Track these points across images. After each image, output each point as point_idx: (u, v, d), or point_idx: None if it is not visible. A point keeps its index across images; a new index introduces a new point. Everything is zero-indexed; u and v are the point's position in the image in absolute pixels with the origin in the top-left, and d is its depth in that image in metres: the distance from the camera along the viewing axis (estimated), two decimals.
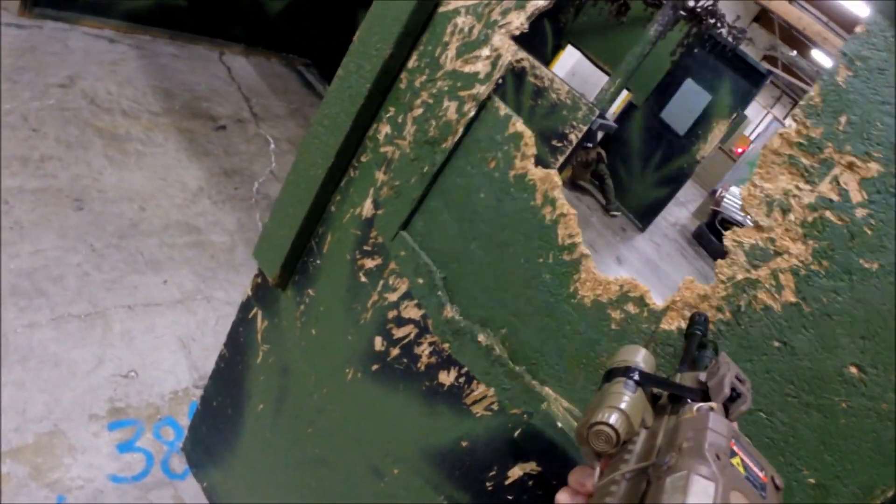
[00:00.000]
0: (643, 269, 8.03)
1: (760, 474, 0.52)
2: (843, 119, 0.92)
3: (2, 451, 2.09)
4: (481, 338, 1.31)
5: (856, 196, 0.92)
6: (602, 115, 4.72)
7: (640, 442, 0.60)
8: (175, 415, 2.55)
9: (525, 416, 1.30)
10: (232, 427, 2.07)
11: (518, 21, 1.17)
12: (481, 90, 1.23)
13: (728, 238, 1.03)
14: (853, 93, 0.92)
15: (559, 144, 4.30)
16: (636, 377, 0.67)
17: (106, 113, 3.96)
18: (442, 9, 1.30)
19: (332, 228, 1.57)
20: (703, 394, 0.64)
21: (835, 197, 0.93)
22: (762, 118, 19.63)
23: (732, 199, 10.36)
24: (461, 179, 1.30)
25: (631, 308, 1.16)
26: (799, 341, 0.99)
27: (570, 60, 10.60)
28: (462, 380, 1.37)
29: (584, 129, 4.73)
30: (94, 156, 3.57)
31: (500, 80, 1.23)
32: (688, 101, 8.48)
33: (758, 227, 1.01)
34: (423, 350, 1.42)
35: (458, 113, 1.27)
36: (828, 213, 0.94)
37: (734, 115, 8.29)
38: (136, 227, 3.30)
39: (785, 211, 0.97)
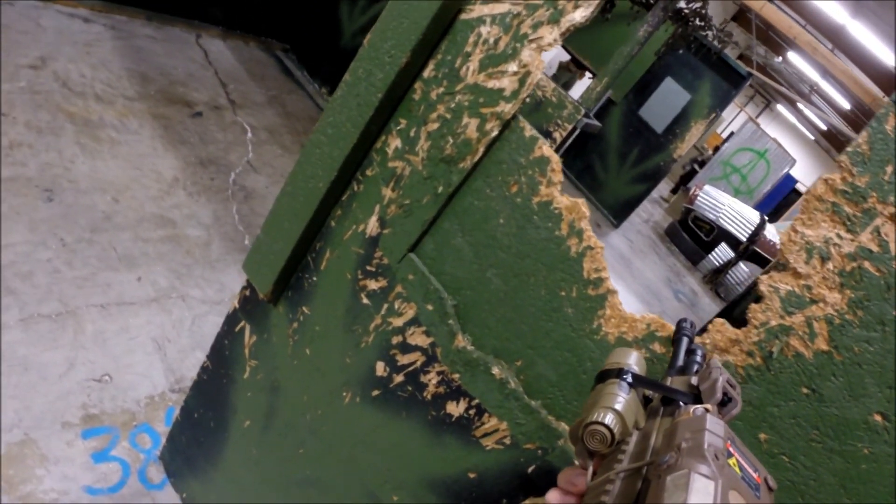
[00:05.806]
0: (616, 264, 8.05)
1: (755, 475, 0.53)
2: (889, 169, 0.91)
3: None
4: (495, 370, 1.23)
5: (895, 248, 0.91)
6: (587, 115, 4.67)
7: (634, 443, 0.61)
8: (151, 421, 2.44)
9: (540, 451, 1.24)
10: (214, 440, 1.97)
11: (550, 37, 1.09)
12: (506, 108, 1.15)
13: (763, 283, 1.01)
14: None
15: None
16: (629, 379, 0.68)
17: (79, 97, 3.77)
18: (464, 16, 1.20)
19: (332, 245, 1.47)
20: (695, 397, 0.66)
21: (875, 248, 0.92)
22: (734, 116, 19.89)
23: (705, 197, 10.46)
24: (479, 202, 1.22)
25: (657, 348, 1.11)
26: (827, 389, 0.98)
27: None
28: (472, 412, 1.30)
29: (570, 127, 4.69)
30: (65, 143, 3.40)
31: (527, 99, 1.15)
32: (667, 100, 8.50)
33: (795, 274, 0.98)
34: (431, 379, 1.34)
35: (478, 131, 1.18)
36: (866, 264, 0.93)
37: (712, 115, 8.32)
38: (110, 220, 3.14)
39: (824, 259, 0.95)
